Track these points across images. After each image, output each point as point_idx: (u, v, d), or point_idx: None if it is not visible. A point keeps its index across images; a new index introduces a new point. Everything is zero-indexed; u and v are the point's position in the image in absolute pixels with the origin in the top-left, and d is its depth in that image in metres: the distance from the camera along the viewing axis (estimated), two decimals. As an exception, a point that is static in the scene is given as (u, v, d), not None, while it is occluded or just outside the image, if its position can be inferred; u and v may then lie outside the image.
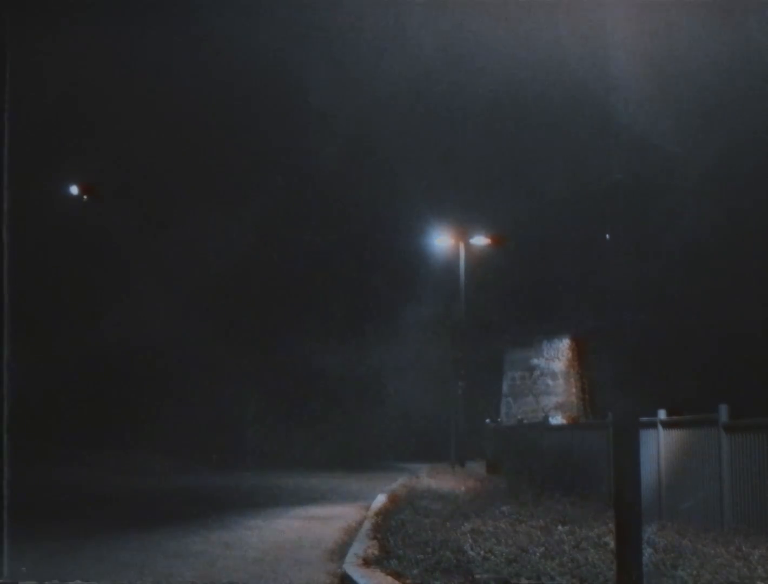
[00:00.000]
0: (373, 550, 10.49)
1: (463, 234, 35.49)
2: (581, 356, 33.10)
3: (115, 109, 36.97)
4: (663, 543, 10.13)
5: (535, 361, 33.78)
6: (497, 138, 34.04)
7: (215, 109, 38.94)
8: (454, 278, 35.63)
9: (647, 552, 8.89)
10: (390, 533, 11.51)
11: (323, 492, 21.40)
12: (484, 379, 35.67)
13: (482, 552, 9.61)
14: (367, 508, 16.04)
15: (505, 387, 34.93)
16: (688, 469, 13.30)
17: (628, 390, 7.82)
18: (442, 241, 36.15)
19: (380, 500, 16.99)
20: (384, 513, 14.32)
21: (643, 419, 13.18)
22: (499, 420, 34.09)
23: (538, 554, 9.52)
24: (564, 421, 28.09)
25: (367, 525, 13.18)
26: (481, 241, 35.92)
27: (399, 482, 22.25)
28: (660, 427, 14.03)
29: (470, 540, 10.39)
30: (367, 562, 9.76)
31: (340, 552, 11.25)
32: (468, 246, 35.52)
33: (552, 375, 33.32)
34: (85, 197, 39.65)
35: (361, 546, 10.98)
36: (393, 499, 16.82)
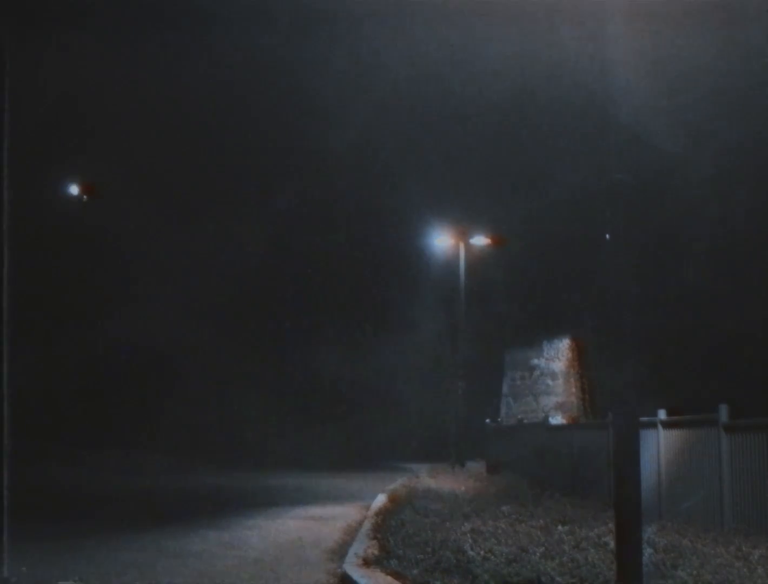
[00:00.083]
0: (373, 550, 10.49)
1: (463, 234, 35.48)
2: (581, 356, 33.08)
3: (116, 109, 36.98)
4: (663, 543, 10.13)
5: (535, 361, 33.75)
6: (497, 138, 34.06)
7: (216, 110, 38.96)
8: (454, 278, 35.61)
9: (647, 552, 8.89)
10: (390, 533, 11.51)
11: (323, 492, 21.40)
12: (484, 379, 35.65)
13: (482, 552, 9.61)
14: (367, 508, 16.04)
15: (505, 387, 34.90)
16: (688, 469, 13.30)
17: (628, 390, 7.82)
18: (442, 241, 36.14)
19: (380, 500, 16.99)
20: (384, 513, 14.32)
21: (643, 419, 13.18)
22: (499, 420, 34.07)
23: (538, 554, 9.52)
24: (564, 421, 28.07)
25: (367, 525, 13.19)
26: (481, 241, 35.91)
27: (399, 482, 22.25)
28: (660, 427, 14.03)
29: (470, 540, 10.39)
30: (367, 562, 9.76)
31: (340, 551, 11.25)
32: (468, 246, 35.50)
33: (552, 375, 33.30)
34: (85, 197, 39.65)
35: (361, 546, 10.98)
36: (393, 499, 16.82)
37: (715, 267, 29.29)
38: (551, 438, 21.63)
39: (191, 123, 38.36)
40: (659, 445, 14.01)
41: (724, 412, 12.35)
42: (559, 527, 11.72)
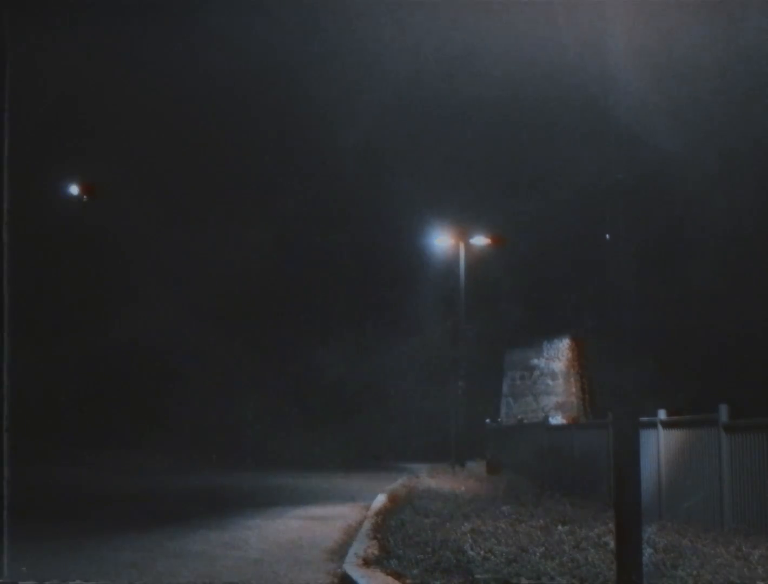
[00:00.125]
0: (373, 550, 10.48)
1: (463, 234, 35.48)
2: (581, 356, 33.09)
3: (119, 109, 36.98)
4: (663, 543, 10.13)
5: (535, 361, 33.78)
6: (498, 138, 34.04)
7: (218, 111, 38.95)
8: (454, 278, 35.61)
9: (647, 552, 8.89)
10: (390, 533, 11.51)
11: (323, 492, 21.39)
12: (484, 379, 35.66)
13: (482, 552, 9.61)
14: (367, 508, 16.03)
15: (505, 387, 34.94)
16: (688, 469, 13.30)
17: (627, 390, 7.82)
18: (442, 241, 36.14)
19: (380, 500, 16.99)
20: (384, 513, 14.32)
21: (643, 419, 13.18)
22: (499, 420, 34.10)
23: (538, 554, 9.52)
24: (564, 421, 28.07)
25: (367, 525, 13.18)
26: (481, 241, 35.90)
27: (399, 482, 22.24)
28: (660, 427, 14.03)
29: (470, 540, 10.39)
30: (367, 562, 9.76)
31: (340, 552, 11.25)
32: (468, 246, 35.51)
33: (552, 375, 33.31)
34: (84, 197, 39.65)
35: (361, 546, 10.98)
36: (393, 499, 16.81)
37: (715, 267, 29.29)
38: (551, 438, 21.63)
39: (192, 124, 38.36)
40: (659, 445, 14.01)
41: (724, 412, 12.35)
42: (559, 527, 11.72)
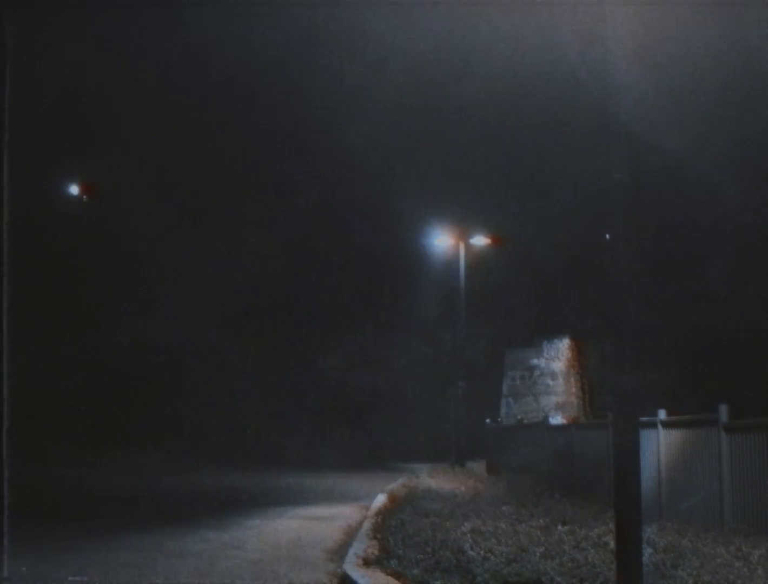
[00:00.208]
0: (373, 550, 10.49)
1: (463, 234, 35.48)
2: (581, 356, 33.10)
3: (123, 108, 36.99)
4: (663, 543, 10.13)
5: (535, 361, 33.79)
6: (498, 138, 34.05)
7: (217, 112, 38.95)
8: (454, 278, 35.62)
9: (647, 552, 8.89)
10: (390, 533, 11.51)
11: (323, 492, 21.40)
12: (484, 379, 35.66)
13: (482, 552, 9.61)
14: (367, 508, 16.04)
15: (505, 387, 34.94)
16: (688, 469, 13.30)
17: (628, 390, 7.82)
18: (442, 241, 36.15)
19: (380, 500, 16.99)
20: (384, 513, 14.32)
21: (643, 419, 13.17)
22: (499, 420, 34.10)
23: (538, 554, 9.52)
24: (564, 421, 28.07)
25: (367, 525, 13.18)
26: (481, 241, 35.91)
27: (399, 482, 22.25)
28: (660, 427, 14.03)
29: (470, 540, 10.39)
30: (367, 562, 9.76)
31: (340, 552, 11.25)
32: (468, 246, 35.51)
33: (552, 375, 33.33)
34: (84, 197, 39.65)
35: (361, 546, 10.98)
36: (393, 499, 16.81)
37: (715, 266, 29.29)
38: (551, 438, 21.63)
39: (193, 124, 38.37)
40: (659, 445, 14.01)
41: (724, 412, 12.35)
42: (559, 527, 11.72)
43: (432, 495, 17.27)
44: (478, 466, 29.34)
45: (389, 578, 8.84)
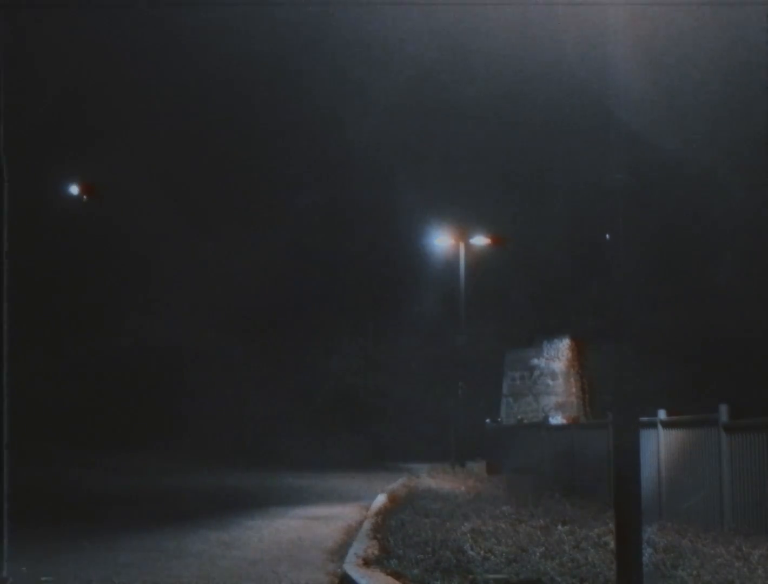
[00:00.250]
0: (373, 550, 10.48)
1: (463, 234, 35.48)
2: (581, 356, 33.09)
3: (121, 109, 36.98)
4: (663, 543, 10.13)
5: (535, 361, 33.76)
6: (498, 138, 34.05)
7: (215, 111, 38.95)
8: (454, 278, 35.62)
9: (647, 552, 8.88)
10: (390, 533, 11.51)
11: (323, 492, 21.40)
12: (484, 379, 35.65)
13: (482, 552, 9.61)
14: (367, 508, 16.04)
15: (505, 387, 34.91)
16: (688, 469, 13.30)
17: (628, 390, 7.82)
18: (442, 241, 36.14)
19: (380, 500, 16.99)
20: (384, 513, 14.32)
21: (643, 419, 13.17)
22: (499, 420, 34.08)
23: (538, 554, 9.53)
24: (564, 421, 28.06)
25: (367, 525, 13.18)
26: (481, 241, 35.90)
27: (399, 482, 22.25)
28: (660, 427, 14.03)
29: (470, 540, 10.39)
30: (367, 562, 9.76)
31: (340, 552, 11.25)
32: (468, 246, 35.51)
33: (552, 375, 33.31)
34: (84, 197, 39.66)
35: (361, 546, 10.98)
36: (393, 499, 16.81)
37: (714, 266, 29.28)
38: (551, 438, 21.63)
39: (193, 124, 38.38)
40: (659, 445, 14.01)
41: (724, 412, 12.35)
42: (559, 527, 11.72)
43: (432, 495, 17.27)
44: (478, 466, 29.33)
45: (389, 578, 8.84)
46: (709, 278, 29.07)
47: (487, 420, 33.36)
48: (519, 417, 32.39)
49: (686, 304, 30.04)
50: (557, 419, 28.85)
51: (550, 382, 33.22)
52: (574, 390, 32.97)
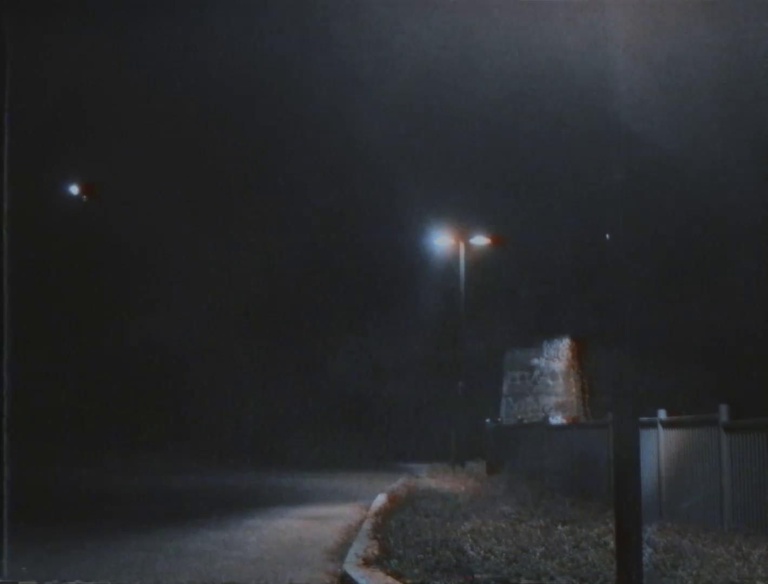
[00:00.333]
0: (373, 550, 10.49)
1: (463, 234, 35.47)
2: (581, 356, 33.08)
3: (122, 108, 36.96)
4: (663, 543, 10.13)
5: (535, 361, 33.75)
6: (498, 138, 34.05)
7: (215, 111, 38.95)
8: (454, 278, 35.61)
9: (647, 552, 8.89)
10: (390, 533, 11.51)
11: (323, 492, 21.40)
12: (484, 379, 35.65)
13: (482, 552, 9.61)
14: (367, 508, 16.04)
15: (505, 387, 34.91)
16: (688, 469, 13.30)
17: (628, 390, 7.82)
18: (442, 241, 36.13)
19: (380, 500, 16.99)
20: (384, 513, 14.32)
21: (643, 419, 13.18)
22: (499, 420, 34.06)
23: (538, 554, 9.53)
24: (564, 421, 28.06)
25: (367, 525, 13.18)
26: (481, 241, 35.89)
27: (399, 482, 22.25)
28: (660, 427, 14.03)
29: (470, 540, 10.39)
30: (367, 562, 9.77)
31: (340, 552, 11.25)
32: (468, 246, 35.50)
33: (552, 375, 33.30)
34: (84, 197, 39.65)
35: (361, 546, 10.98)
36: (393, 499, 16.81)
37: (715, 266, 29.28)
38: (551, 438, 21.63)
39: (193, 125, 38.37)
40: (659, 445, 14.01)
41: (724, 412, 12.35)
42: (559, 527, 11.72)
43: (432, 495, 17.27)
44: (478, 466, 29.33)
45: (389, 578, 8.84)
46: (709, 277, 29.08)
47: (487, 420, 33.34)
48: (519, 417, 32.38)
49: (686, 304, 30.05)
50: (557, 419, 28.84)
51: (550, 382, 33.22)
52: (574, 390, 32.96)
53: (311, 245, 42.45)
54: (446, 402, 35.83)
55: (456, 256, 35.38)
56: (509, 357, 35.01)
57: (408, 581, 8.68)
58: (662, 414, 14.11)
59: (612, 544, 9.05)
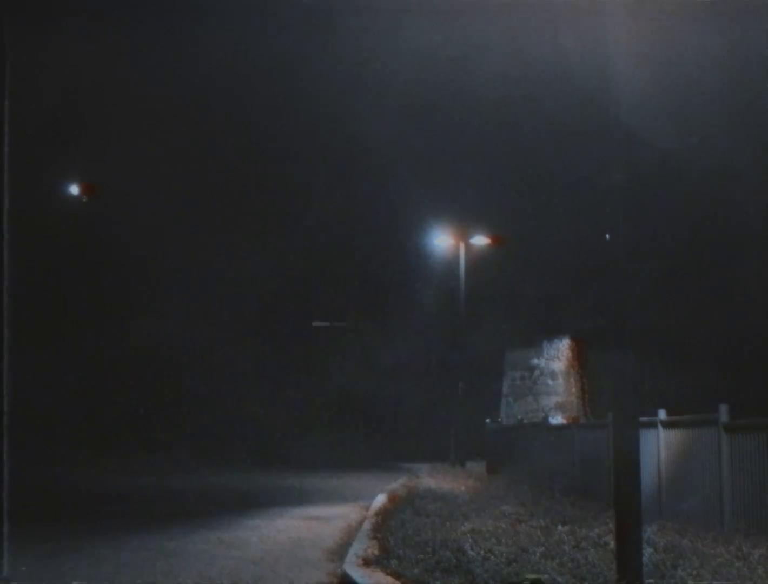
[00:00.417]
0: (373, 550, 10.49)
1: (463, 234, 35.46)
2: (581, 356, 33.06)
3: (122, 109, 36.96)
4: (663, 543, 10.12)
5: (535, 361, 33.72)
6: (498, 138, 34.05)
7: (216, 112, 38.94)
8: (454, 278, 35.61)
9: (647, 552, 8.89)
10: (390, 533, 11.51)
11: (323, 492, 21.40)
12: (484, 379, 35.65)
13: (482, 552, 9.61)
14: (367, 508, 16.04)
15: (505, 387, 34.88)
16: (688, 469, 13.30)
17: (628, 390, 7.82)
18: (442, 240, 36.13)
19: (380, 500, 16.99)
20: (384, 513, 14.32)
21: (643, 419, 13.17)
22: (499, 420, 34.05)
23: (538, 554, 9.53)
24: (564, 421, 28.04)
25: (367, 525, 13.18)
26: (481, 241, 35.88)
27: (399, 482, 22.25)
28: (660, 427, 14.03)
29: (470, 540, 10.39)
30: (367, 562, 9.77)
31: (340, 551, 11.25)
32: (468, 246, 35.49)
33: (552, 375, 33.28)
34: (84, 198, 39.66)
35: (361, 545, 10.98)
36: (393, 499, 16.81)
37: (715, 266, 29.27)
38: (551, 438, 21.63)
39: (193, 125, 38.37)
40: (659, 445, 14.00)
41: (724, 412, 12.35)
42: (559, 527, 11.72)
43: (432, 495, 17.27)
44: (478, 466, 29.32)
45: (389, 578, 8.85)
46: (710, 277, 29.08)
47: (487, 420, 33.33)
48: (519, 417, 32.35)
49: (687, 304, 30.05)
50: (557, 419, 28.83)
51: (550, 382, 33.20)
52: (574, 390, 32.93)
53: (312, 246, 42.47)
54: (446, 402, 35.83)
55: (456, 256, 35.37)
56: (509, 357, 34.97)
57: (408, 581, 8.68)
58: (662, 414, 14.10)
59: (612, 544, 9.06)
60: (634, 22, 7.85)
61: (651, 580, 8.20)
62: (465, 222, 35.81)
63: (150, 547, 11.89)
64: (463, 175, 40.29)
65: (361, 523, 13.74)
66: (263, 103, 38.07)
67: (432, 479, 22.84)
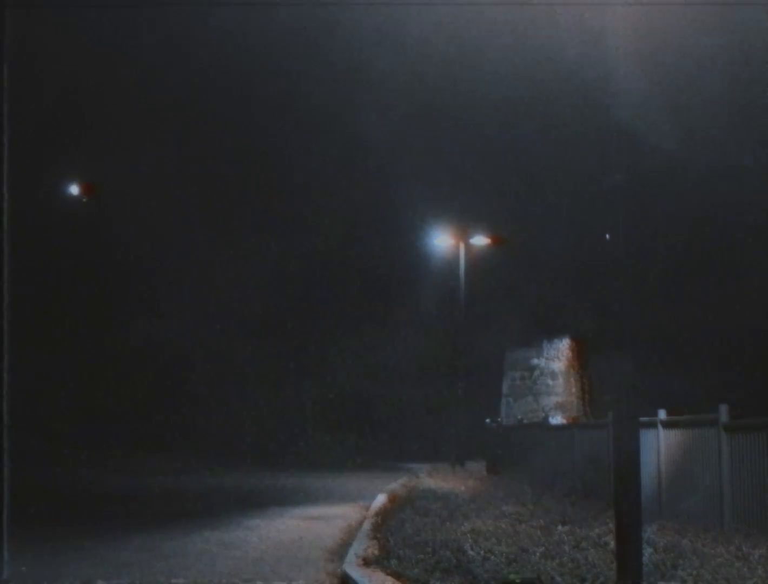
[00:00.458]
0: (373, 550, 10.49)
1: (463, 234, 35.45)
2: (581, 356, 33.06)
3: (122, 109, 36.96)
4: (663, 543, 10.12)
5: (535, 361, 33.72)
6: (498, 138, 34.05)
7: (216, 113, 38.95)
8: (454, 278, 35.60)
9: (647, 552, 8.89)
10: (390, 533, 11.51)
11: (323, 492, 21.40)
12: (484, 379, 35.65)
13: (482, 552, 9.61)
14: (367, 508, 16.04)
15: (505, 387, 34.88)
16: (688, 469, 13.30)
17: (628, 390, 7.82)
18: (442, 240, 36.12)
19: (380, 500, 16.99)
20: (384, 513, 14.33)
21: (643, 419, 13.16)
22: (499, 420, 34.05)
23: (538, 554, 9.52)
24: (564, 421, 28.05)
25: (367, 525, 13.19)
26: (481, 241, 35.87)
27: (399, 482, 22.25)
28: (660, 427, 14.03)
29: (470, 540, 10.39)
30: (367, 562, 9.77)
31: (340, 551, 11.25)
32: (468, 246, 35.48)
33: (552, 375, 33.28)
34: (84, 198, 39.66)
35: (361, 545, 10.99)
36: (393, 499, 16.82)
37: (715, 266, 29.28)
38: (551, 438, 21.63)
39: (198, 127, 38.39)
40: (659, 445, 14.00)
41: (724, 412, 12.35)
42: (559, 527, 11.72)
43: (432, 495, 17.27)
44: (478, 466, 29.32)
45: (389, 578, 8.85)
46: (710, 277, 29.07)
47: (487, 420, 33.33)
48: (519, 417, 32.35)
49: (687, 304, 30.04)
50: (557, 419, 28.84)
51: (550, 382, 33.20)
52: (574, 390, 32.93)
53: (312, 246, 42.47)
54: (446, 402, 35.81)
55: (456, 256, 35.36)
56: (509, 357, 34.97)
57: (408, 581, 8.68)
58: (662, 414, 14.10)
59: (612, 544, 9.06)
60: (634, 22, 7.86)
61: (651, 580, 8.20)
62: (465, 222, 35.80)
63: (151, 547, 11.90)
64: (463, 176, 40.30)
65: (361, 523, 13.75)
66: (264, 103, 38.09)
67: (432, 479, 22.85)
